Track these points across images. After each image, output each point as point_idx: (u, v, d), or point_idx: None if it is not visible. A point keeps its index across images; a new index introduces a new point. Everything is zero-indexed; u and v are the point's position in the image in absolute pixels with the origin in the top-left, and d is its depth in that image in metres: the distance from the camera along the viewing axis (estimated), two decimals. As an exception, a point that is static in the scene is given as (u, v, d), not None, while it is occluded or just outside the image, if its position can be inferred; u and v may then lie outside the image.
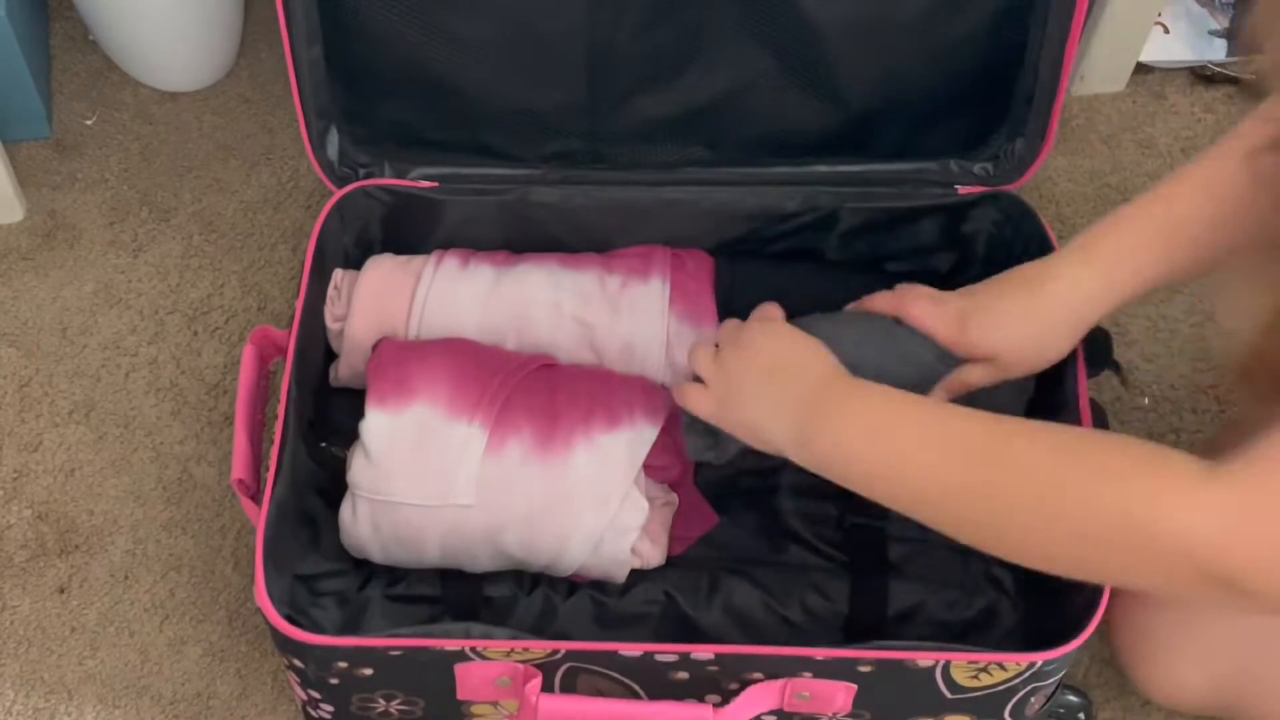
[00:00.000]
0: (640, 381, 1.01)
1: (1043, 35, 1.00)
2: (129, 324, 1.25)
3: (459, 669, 0.87)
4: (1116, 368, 0.98)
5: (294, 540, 0.96)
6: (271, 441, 0.95)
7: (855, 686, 0.87)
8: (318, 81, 1.03)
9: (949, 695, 0.89)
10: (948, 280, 1.02)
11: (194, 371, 1.22)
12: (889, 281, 1.08)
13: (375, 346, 1.01)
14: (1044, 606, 0.95)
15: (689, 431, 0.96)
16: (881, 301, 0.96)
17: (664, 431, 0.98)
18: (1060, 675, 0.89)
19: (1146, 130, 1.36)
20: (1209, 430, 1.18)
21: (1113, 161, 1.34)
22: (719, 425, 0.91)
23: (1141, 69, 1.38)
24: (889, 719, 0.92)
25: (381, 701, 0.92)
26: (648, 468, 0.97)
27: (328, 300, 1.05)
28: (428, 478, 0.94)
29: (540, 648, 0.86)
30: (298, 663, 0.89)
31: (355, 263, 1.09)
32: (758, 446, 0.89)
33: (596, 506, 0.95)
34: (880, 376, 0.85)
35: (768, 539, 1.03)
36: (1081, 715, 1.05)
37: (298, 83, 1.02)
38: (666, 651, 0.86)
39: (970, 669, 0.86)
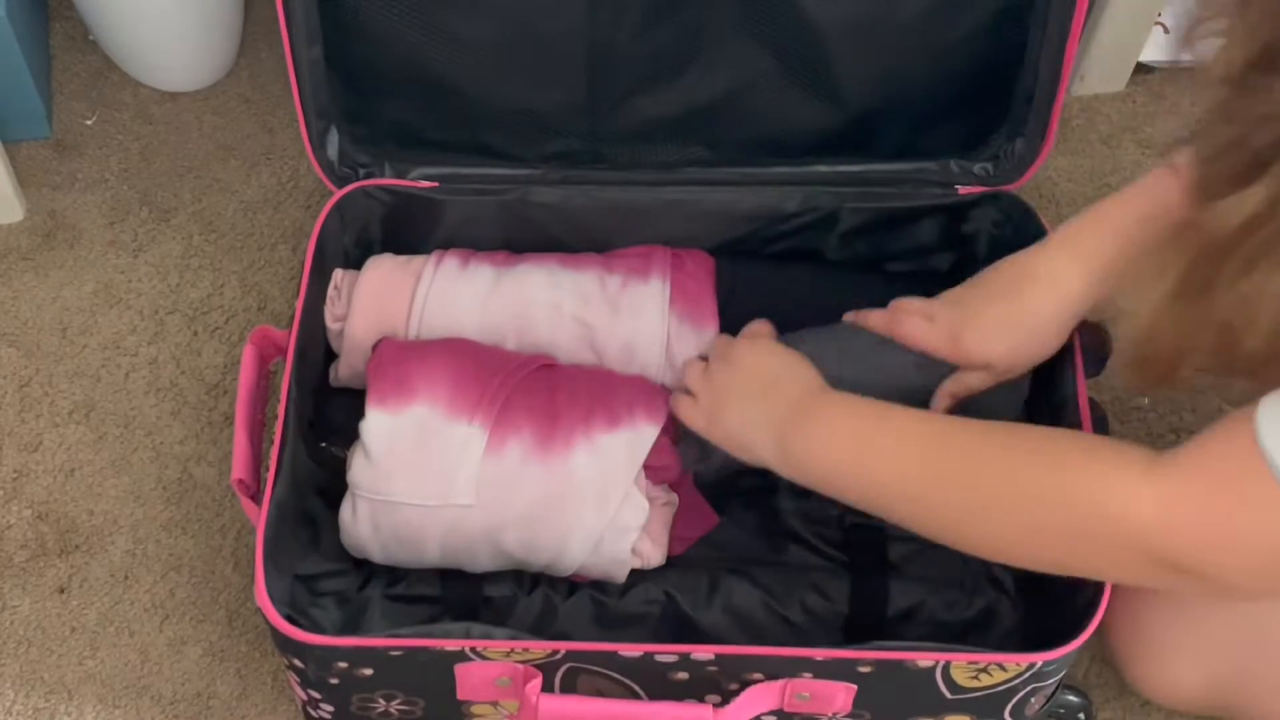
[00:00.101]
0: (640, 381, 1.01)
1: (1043, 35, 1.00)
2: (129, 324, 1.25)
3: (459, 669, 0.87)
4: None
5: (294, 540, 0.96)
6: (271, 441, 0.95)
7: (855, 687, 0.87)
8: (318, 81, 1.03)
9: (949, 695, 0.89)
10: (948, 280, 1.02)
11: (194, 371, 1.22)
12: (889, 281, 1.08)
13: (375, 346, 1.01)
14: (1044, 606, 0.95)
15: (682, 441, 0.99)
16: (875, 319, 0.98)
17: (663, 432, 0.98)
18: (1060, 675, 0.89)
19: (1146, 130, 1.36)
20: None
21: (1113, 161, 1.34)
22: (707, 437, 0.95)
23: (1141, 69, 1.38)
24: (889, 719, 0.92)
25: (381, 701, 0.92)
26: (646, 468, 0.97)
27: (328, 300, 1.05)
28: (428, 478, 0.94)
29: (540, 648, 0.86)
30: (298, 663, 0.89)
31: (355, 263, 1.08)
32: (743, 458, 0.93)
33: (597, 506, 0.95)
34: (862, 389, 0.89)
35: (768, 539, 1.03)
36: (1081, 715, 1.05)
37: (298, 83, 1.02)
38: (666, 652, 0.86)
39: (970, 669, 0.86)
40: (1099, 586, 0.86)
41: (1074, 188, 1.31)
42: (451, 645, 0.85)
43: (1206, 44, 0.69)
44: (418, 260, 1.07)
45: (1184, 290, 0.71)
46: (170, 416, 1.20)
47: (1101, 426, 0.95)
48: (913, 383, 0.96)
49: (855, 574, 1.00)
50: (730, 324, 1.04)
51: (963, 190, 1.07)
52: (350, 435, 0.98)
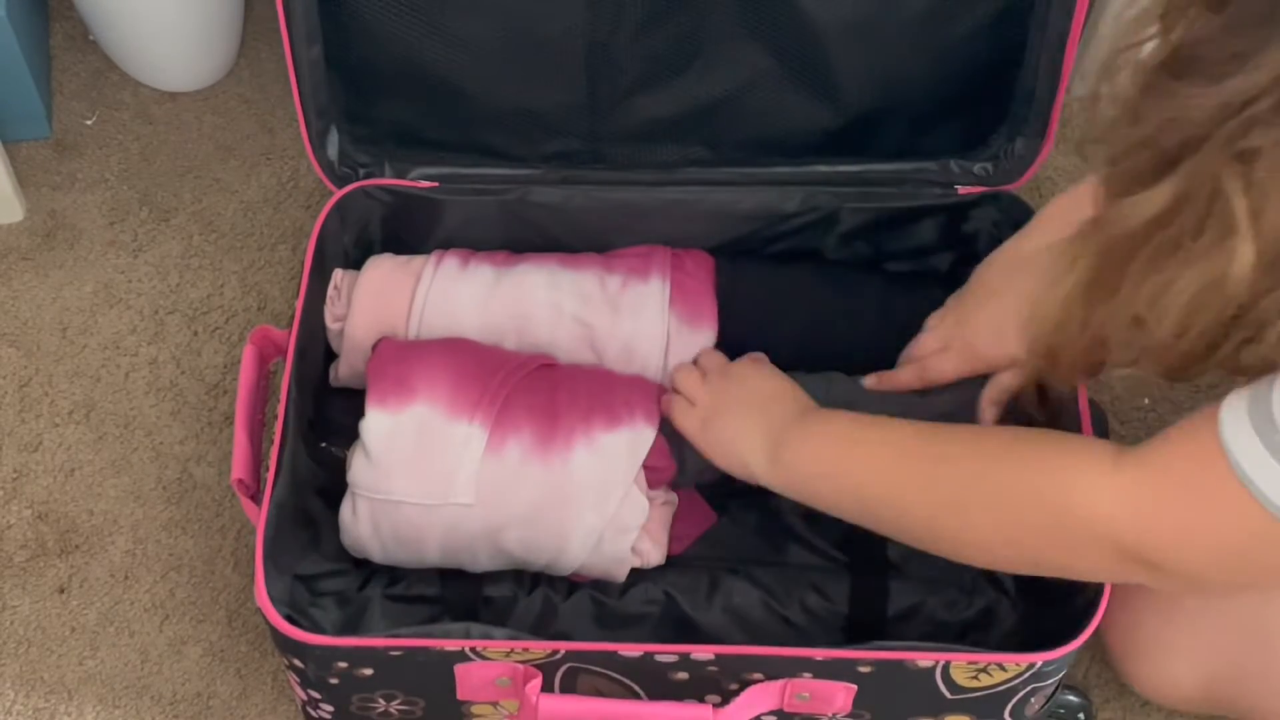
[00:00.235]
0: (640, 381, 1.01)
1: (1043, 35, 1.00)
2: (129, 324, 1.25)
3: (459, 669, 0.87)
4: None
5: (294, 540, 0.96)
6: (271, 441, 0.95)
7: (855, 687, 0.88)
8: (318, 81, 1.03)
9: (949, 695, 0.89)
10: (948, 280, 1.02)
11: (194, 371, 1.22)
12: (889, 281, 1.08)
13: (375, 346, 1.01)
14: (1044, 607, 0.95)
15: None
16: (904, 379, 1.00)
17: (659, 433, 0.98)
18: (1060, 676, 0.89)
19: (1146, 130, 1.36)
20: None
21: (1113, 161, 1.33)
22: (698, 443, 0.96)
23: (1142, 69, 1.38)
24: (889, 719, 0.92)
25: (381, 701, 0.92)
26: (644, 469, 0.97)
27: (328, 300, 1.05)
28: (428, 477, 0.94)
29: (540, 648, 0.86)
30: (298, 663, 0.89)
31: (355, 263, 1.08)
32: (728, 468, 0.95)
33: (597, 505, 0.95)
34: None
35: (768, 539, 1.03)
36: (1081, 715, 1.05)
37: (298, 83, 1.02)
38: (666, 652, 0.86)
39: (970, 669, 0.86)
40: (1099, 587, 0.87)
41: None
42: (451, 645, 0.85)
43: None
44: (418, 260, 1.07)
45: (1093, 283, 0.72)
46: (170, 416, 1.20)
47: (1101, 426, 0.95)
48: (919, 412, 0.97)
49: (855, 574, 1.00)
50: (730, 324, 1.04)
51: (963, 190, 1.07)
52: (350, 435, 0.98)
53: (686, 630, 0.98)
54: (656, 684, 0.88)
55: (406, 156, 1.08)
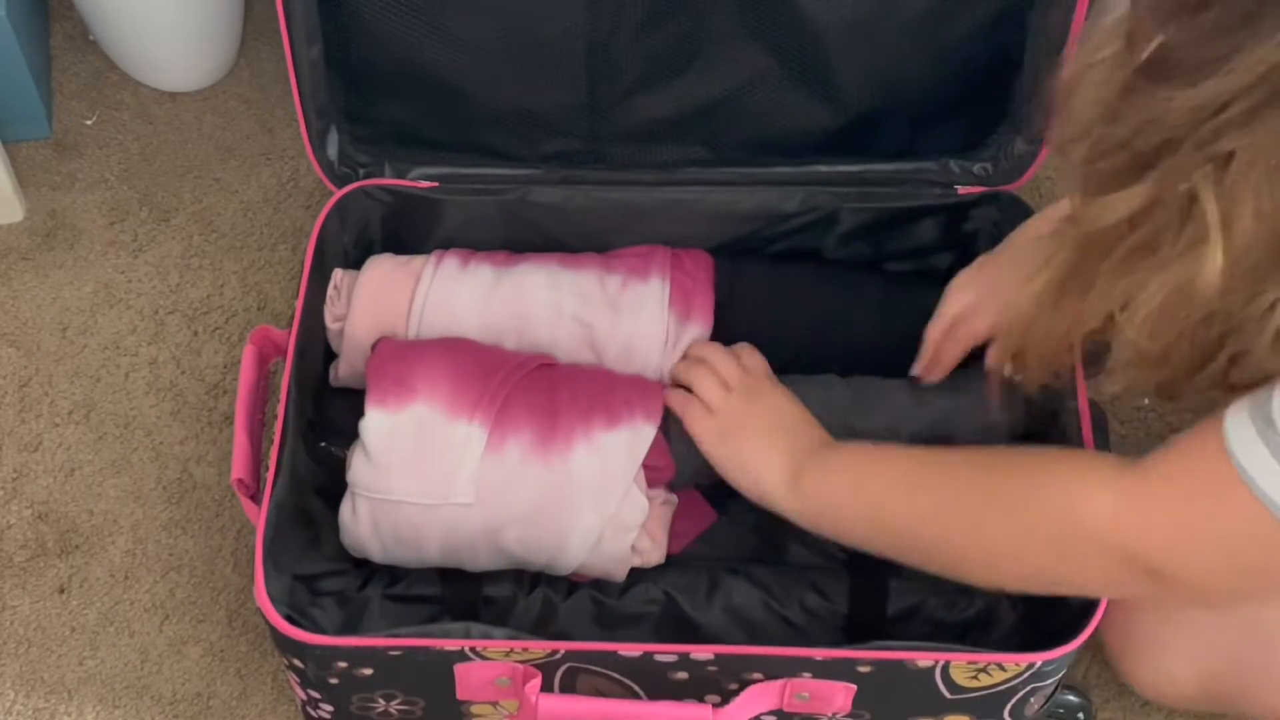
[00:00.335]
0: (640, 381, 1.01)
1: (1043, 35, 1.00)
2: (129, 324, 1.25)
3: (459, 669, 0.87)
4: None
5: (294, 540, 0.96)
6: (271, 441, 0.95)
7: (855, 687, 0.88)
8: (318, 81, 1.03)
9: (948, 695, 0.89)
10: (947, 280, 1.02)
11: (194, 371, 1.22)
12: (889, 281, 1.08)
13: (375, 345, 1.01)
14: (1043, 607, 0.95)
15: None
16: (946, 352, 1.00)
17: (657, 432, 0.98)
18: (1060, 676, 0.89)
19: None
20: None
21: (1113, 161, 1.33)
22: (709, 451, 0.96)
23: (1141, 69, 1.38)
24: (889, 719, 0.92)
25: (381, 701, 0.92)
26: (643, 469, 0.97)
27: (328, 300, 1.05)
28: (428, 476, 0.94)
29: (540, 648, 0.86)
30: (298, 663, 0.89)
31: (355, 263, 1.08)
32: (741, 485, 0.95)
33: (597, 505, 0.95)
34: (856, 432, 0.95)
35: (768, 538, 1.03)
36: (1081, 715, 1.05)
37: (298, 83, 1.02)
38: (666, 651, 0.86)
39: (970, 669, 0.86)
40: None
41: (1074, 188, 1.31)
42: (451, 645, 0.85)
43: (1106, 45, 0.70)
44: (418, 260, 1.07)
45: (1066, 282, 0.72)
46: (170, 416, 1.20)
47: (1101, 427, 0.95)
48: (916, 418, 1.00)
49: (855, 574, 1.00)
50: (730, 323, 1.04)
51: (963, 190, 1.07)
52: (350, 435, 0.98)
53: (686, 630, 0.98)
54: (656, 684, 0.88)
55: (406, 156, 1.08)
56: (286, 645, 0.88)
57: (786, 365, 1.01)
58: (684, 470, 0.98)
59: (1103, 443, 0.94)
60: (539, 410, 0.96)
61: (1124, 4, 0.68)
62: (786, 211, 1.08)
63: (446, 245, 1.09)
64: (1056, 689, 0.91)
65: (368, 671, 0.88)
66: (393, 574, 0.99)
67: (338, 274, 1.07)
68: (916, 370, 1.01)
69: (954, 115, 1.06)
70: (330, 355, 1.07)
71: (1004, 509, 0.81)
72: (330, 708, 0.93)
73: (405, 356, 0.98)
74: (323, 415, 1.04)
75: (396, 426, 0.95)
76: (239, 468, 0.92)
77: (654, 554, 0.98)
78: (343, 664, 0.87)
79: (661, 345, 1.03)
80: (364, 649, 0.86)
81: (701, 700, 0.89)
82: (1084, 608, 0.86)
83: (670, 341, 1.03)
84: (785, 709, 0.89)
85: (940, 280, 1.02)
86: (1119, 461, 0.78)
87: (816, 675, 0.87)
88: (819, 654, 0.85)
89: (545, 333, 1.04)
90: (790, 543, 1.02)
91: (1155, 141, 0.65)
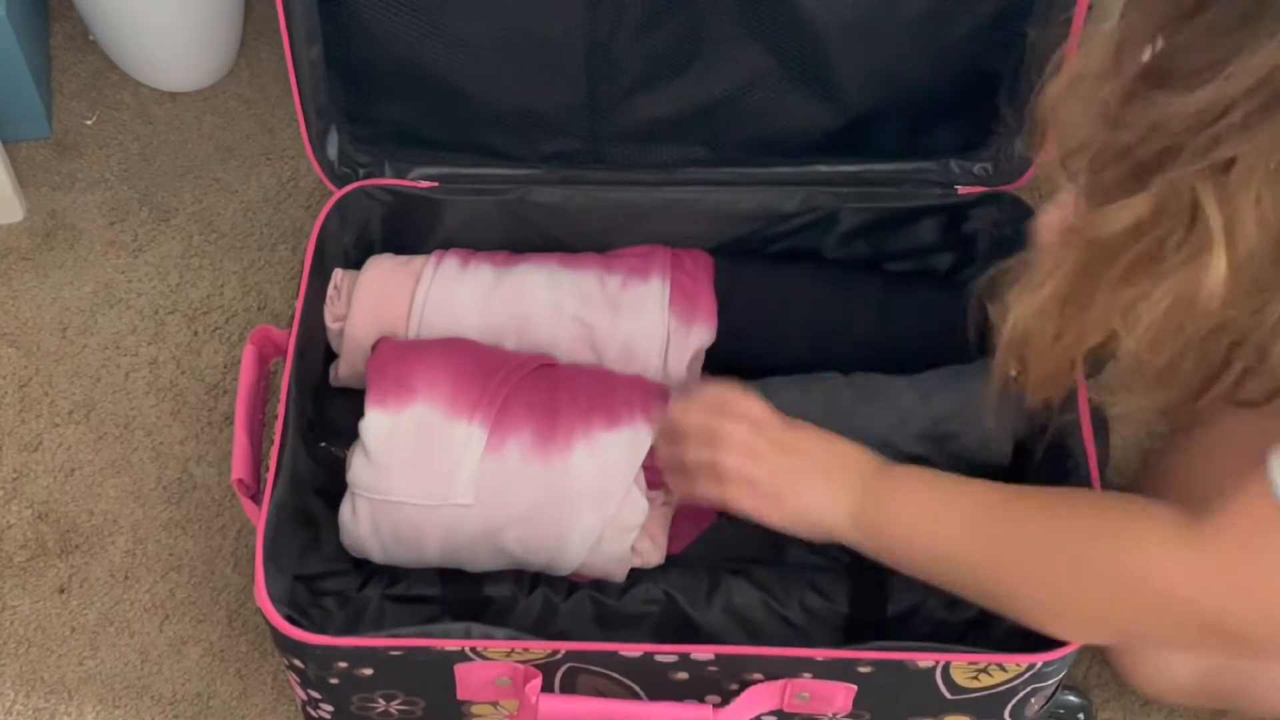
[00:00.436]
0: (640, 381, 1.01)
1: (1043, 36, 1.00)
2: (129, 324, 1.25)
3: (459, 669, 0.87)
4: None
5: (294, 540, 0.96)
6: (271, 441, 0.95)
7: (855, 687, 0.87)
8: (318, 81, 1.03)
9: (949, 696, 0.89)
10: (947, 280, 1.02)
11: (194, 371, 1.22)
12: (889, 281, 1.08)
13: (375, 346, 1.01)
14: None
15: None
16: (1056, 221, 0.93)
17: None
18: (1060, 676, 0.89)
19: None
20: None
21: (1113, 161, 1.33)
22: (773, 521, 0.91)
23: (1142, 69, 1.38)
24: (889, 719, 0.92)
25: (381, 701, 0.92)
26: (643, 470, 0.97)
27: (328, 300, 1.05)
28: (428, 477, 0.94)
29: (540, 648, 0.86)
30: (298, 663, 0.89)
31: (355, 263, 1.09)
32: (813, 535, 0.90)
33: (597, 505, 0.95)
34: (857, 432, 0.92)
35: (767, 538, 1.02)
36: (1081, 715, 1.05)
37: (298, 83, 1.02)
38: (666, 652, 0.86)
39: (970, 670, 0.86)
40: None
41: (1074, 188, 1.31)
42: (451, 645, 0.85)
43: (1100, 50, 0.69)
44: (418, 260, 1.07)
45: (1069, 293, 0.71)
46: (170, 416, 1.20)
47: (1101, 428, 0.95)
48: (920, 417, 0.99)
49: (855, 574, 1.00)
50: (730, 324, 1.04)
51: (963, 190, 1.07)
52: (350, 435, 0.98)
53: (686, 630, 0.98)
54: (656, 684, 0.88)
55: (406, 156, 1.08)
56: (287, 645, 0.88)
57: (786, 365, 1.01)
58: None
59: (1103, 444, 0.94)
60: (539, 411, 0.96)
61: (1117, 12, 0.68)
62: (786, 211, 1.08)
63: (446, 245, 1.09)
64: (1057, 689, 0.91)
65: (368, 672, 0.88)
66: (393, 574, 0.99)
67: (338, 274, 1.07)
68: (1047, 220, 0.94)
69: (954, 115, 1.06)
70: (330, 355, 1.07)
71: (1065, 563, 0.79)
72: (330, 708, 0.93)
73: (405, 357, 0.98)
74: (323, 415, 1.04)
75: (396, 427, 0.95)
76: (239, 468, 0.92)
77: (654, 554, 0.98)
78: (343, 664, 0.87)
79: (662, 345, 1.03)
80: (364, 649, 0.86)
81: (702, 701, 0.89)
82: (1084, 608, 0.86)
83: (670, 342, 1.03)
84: (785, 709, 0.89)
85: (940, 280, 1.02)
86: (1176, 519, 0.76)
87: (817, 676, 0.86)
88: (819, 654, 0.85)
89: (545, 333, 1.04)
90: (790, 543, 1.02)
91: (1157, 148, 0.64)
